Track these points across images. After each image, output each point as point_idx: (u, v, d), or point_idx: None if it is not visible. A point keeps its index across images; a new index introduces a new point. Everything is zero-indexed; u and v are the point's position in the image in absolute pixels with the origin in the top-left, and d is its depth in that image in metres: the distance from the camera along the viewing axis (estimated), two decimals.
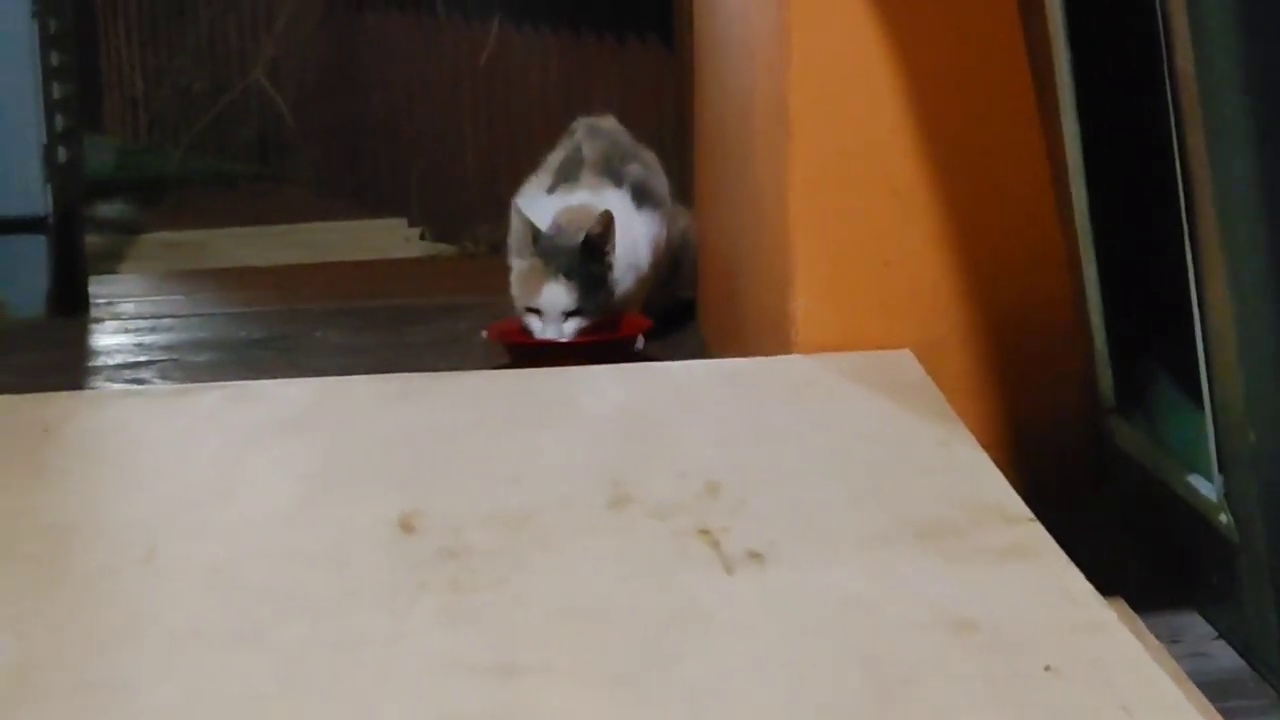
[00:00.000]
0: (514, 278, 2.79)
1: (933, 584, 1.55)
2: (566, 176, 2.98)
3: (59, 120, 3.50)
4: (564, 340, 2.73)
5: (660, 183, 3.07)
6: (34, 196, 3.43)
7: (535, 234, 2.77)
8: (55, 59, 3.51)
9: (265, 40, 6.12)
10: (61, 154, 3.51)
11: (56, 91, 3.50)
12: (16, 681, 1.41)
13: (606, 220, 2.77)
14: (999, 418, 2.17)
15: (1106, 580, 1.57)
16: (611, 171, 2.98)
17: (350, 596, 1.56)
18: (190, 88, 6.44)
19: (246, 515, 1.75)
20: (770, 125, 2.22)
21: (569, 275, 2.73)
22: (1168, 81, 1.68)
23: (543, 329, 2.74)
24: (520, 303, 2.77)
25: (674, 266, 3.06)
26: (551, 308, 2.73)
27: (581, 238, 2.75)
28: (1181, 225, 1.71)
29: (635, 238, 2.93)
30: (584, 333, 2.75)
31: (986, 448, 1.86)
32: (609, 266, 2.78)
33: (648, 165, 3.08)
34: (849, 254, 2.15)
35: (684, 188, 3.15)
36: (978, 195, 2.16)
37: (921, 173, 2.14)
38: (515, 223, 2.80)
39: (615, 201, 2.92)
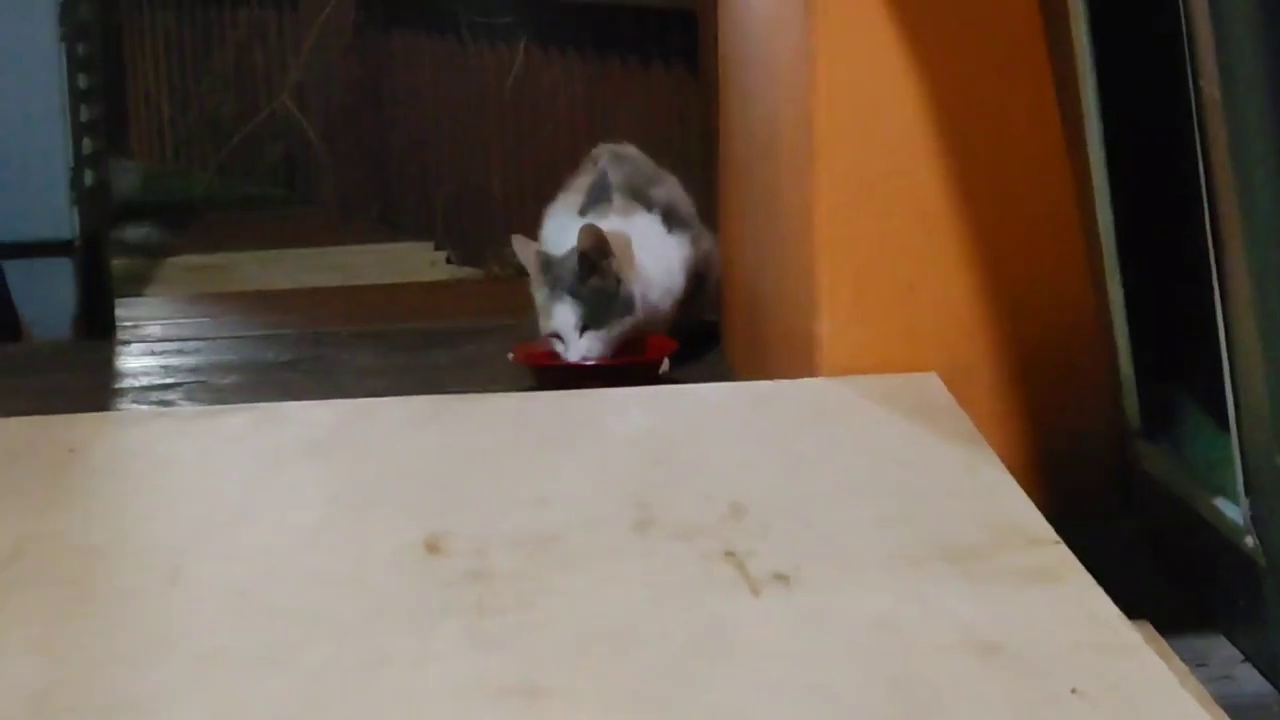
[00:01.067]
0: (538, 309, 2.80)
1: (959, 606, 1.55)
2: (597, 199, 2.98)
3: (86, 143, 3.51)
4: (589, 359, 2.73)
5: (686, 205, 3.08)
6: (61, 219, 3.44)
7: (545, 261, 2.78)
8: (83, 82, 3.51)
9: (292, 64, 6.13)
10: (88, 177, 3.52)
11: (84, 114, 3.51)
12: (43, 702, 1.42)
13: (592, 233, 2.77)
14: (1025, 440, 2.16)
15: (1132, 603, 1.57)
16: (641, 195, 2.99)
17: (375, 618, 1.56)
18: (217, 111, 6.45)
19: (272, 537, 1.75)
20: (795, 149, 2.22)
21: (573, 293, 2.74)
22: (1194, 107, 1.67)
23: (566, 350, 2.75)
24: (543, 330, 2.78)
25: (698, 289, 3.07)
26: (563, 327, 2.75)
27: (576, 255, 2.76)
28: (1207, 248, 1.71)
29: (669, 261, 2.93)
30: (611, 347, 2.75)
31: (1012, 470, 1.86)
32: (615, 279, 2.78)
33: (672, 189, 3.08)
34: (874, 277, 2.15)
35: (708, 211, 3.15)
36: (1003, 219, 2.16)
37: (947, 197, 2.14)
38: (521, 258, 2.82)
39: (647, 225, 2.93)
